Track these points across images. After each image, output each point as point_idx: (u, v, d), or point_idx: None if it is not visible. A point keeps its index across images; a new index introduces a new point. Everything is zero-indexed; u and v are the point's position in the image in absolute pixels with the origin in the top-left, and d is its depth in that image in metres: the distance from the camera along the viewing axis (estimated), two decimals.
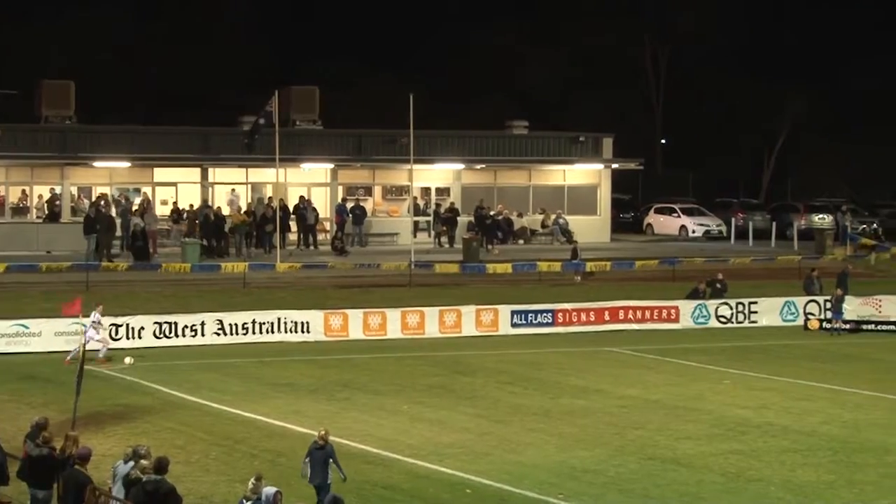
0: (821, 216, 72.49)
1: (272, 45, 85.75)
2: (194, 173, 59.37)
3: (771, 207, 77.20)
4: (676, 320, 45.07)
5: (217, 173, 59.88)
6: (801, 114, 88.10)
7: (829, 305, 45.40)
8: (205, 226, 54.93)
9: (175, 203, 57.92)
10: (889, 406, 31.63)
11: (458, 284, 49.84)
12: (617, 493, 23.93)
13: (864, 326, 45.17)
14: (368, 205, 61.98)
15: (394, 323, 41.49)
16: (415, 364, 36.98)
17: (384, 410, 30.61)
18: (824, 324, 45.08)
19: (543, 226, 64.20)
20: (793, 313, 46.46)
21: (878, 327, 45.25)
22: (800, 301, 46.80)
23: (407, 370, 36.05)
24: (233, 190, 59.40)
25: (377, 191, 63.37)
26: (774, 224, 67.53)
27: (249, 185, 60.41)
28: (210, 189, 59.31)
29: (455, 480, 24.64)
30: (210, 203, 57.67)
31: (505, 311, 43.09)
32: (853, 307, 45.43)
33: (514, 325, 42.92)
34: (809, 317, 46.07)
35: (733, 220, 68.95)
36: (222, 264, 49.92)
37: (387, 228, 61.70)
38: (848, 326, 44.63)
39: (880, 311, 46.89)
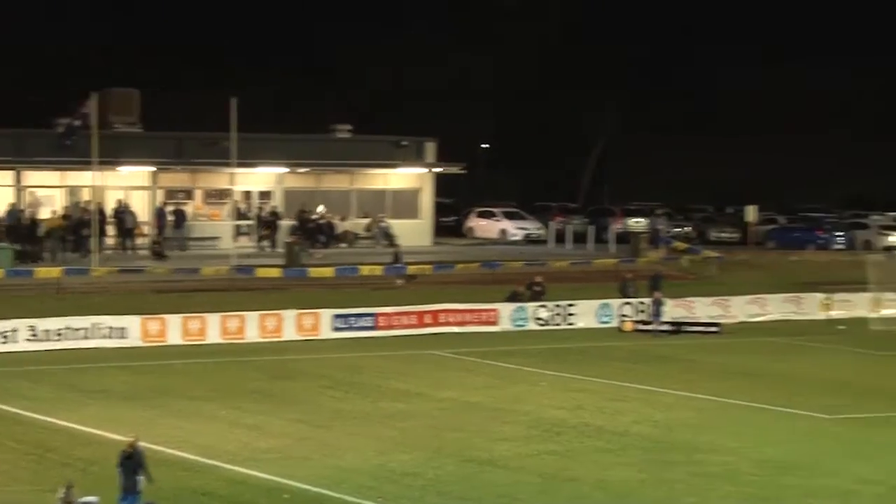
0: (636, 220, 73.97)
1: (92, 46, 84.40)
2: (7, 176, 58.09)
3: (589, 211, 78.55)
4: (495, 323, 45.57)
5: (31, 176, 58.68)
6: (619, 119, 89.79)
7: (642, 308, 46.40)
8: (16, 230, 53.78)
9: None
10: (699, 406, 32.44)
11: (279, 288, 49.64)
12: (435, 496, 24.13)
13: (685, 328, 46.33)
14: (189, 208, 61.41)
15: (213, 328, 41.17)
16: (234, 369, 36.79)
17: (202, 416, 30.39)
18: (643, 326, 46.05)
19: (367, 230, 64.34)
20: (608, 315, 47.32)
21: (696, 328, 46.44)
22: (615, 303, 47.70)
23: (226, 375, 35.83)
24: (33, 193, 58.17)
25: (198, 194, 62.79)
26: (592, 227, 68.68)
27: (66, 189, 59.33)
28: (23, 193, 58.09)
29: (273, 485, 24.59)
30: (21, 207, 56.49)
31: (326, 315, 43.08)
32: (667, 309, 46.46)
33: (335, 329, 42.94)
34: (624, 319, 46.99)
35: (552, 223, 69.94)
36: (35, 269, 48.94)
37: (208, 232, 61.17)
38: (668, 328, 45.69)
39: (693, 313, 48.09)
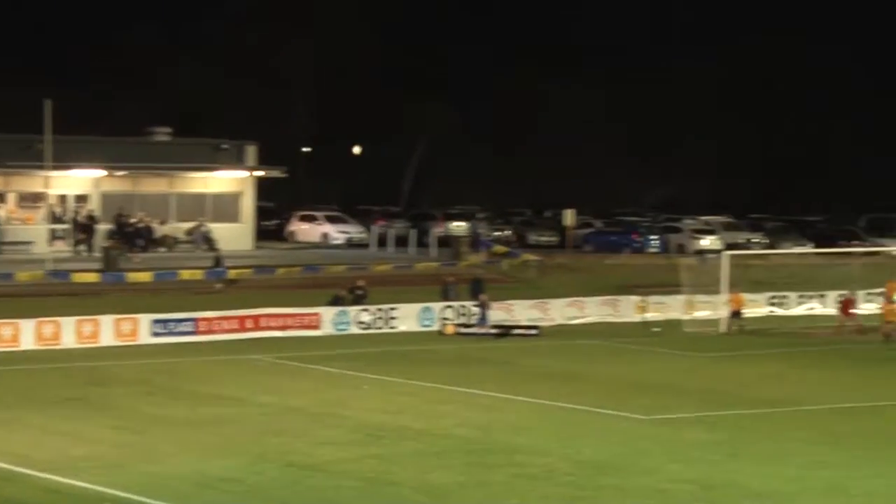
0: (457, 223, 74.55)
1: None
2: None
3: (410, 215, 78.94)
4: (317, 327, 45.50)
5: None
6: (441, 124, 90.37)
7: (464, 311, 46.79)
8: None
9: None
10: (519, 408, 32.81)
11: (97, 293, 48.83)
12: (257, 501, 23.99)
13: (511, 332, 46.88)
14: (2, 212, 60.03)
15: (27, 334, 40.31)
16: (49, 375, 36.06)
17: (14, 424, 29.72)
18: (466, 329, 46.44)
19: (188, 234, 63.65)
20: (430, 319, 47.62)
21: (520, 332, 46.99)
22: (437, 307, 48.01)
23: (41, 382, 35.10)
24: None
25: (11, 198, 61.41)
26: (414, 231, 69.02)
27: None
28: None
29: (90, 494, 24.17)
30: None
31: (145, 320, 42.51)
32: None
33: (154, 335, 42.39)
34: (445, 322, 47.33)
35: (374, 227, 70.09)
36: None
37: (21, 237, 59.93)
38: (495, 332, 46.20)
39: (513, 316, 48.65)
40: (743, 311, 50.25)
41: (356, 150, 63.56)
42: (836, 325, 50.00)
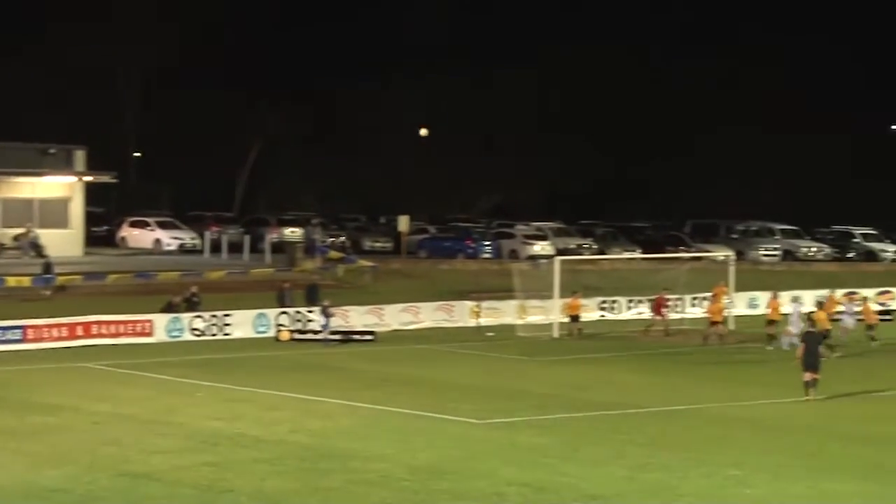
0: (292, 229, 74.26)
1: None
2: None
3: (244, 221, 78.39)
4: (150, 334, 45.02)
5: None
6: (274, 128, 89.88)
7: (299, 317, 46.74)
8: None
9: None
10: (355, 414, 32.87)
11: None
12: None
13: (350, 337, 46.98)
14: None
15: None
16: None
17: None
18: (301, 335, 46.37)
19: (15, 240, 62.33)
20: (265, 325, 47.44)
21: (361, 337, 47.15)
22: (272, 313, 47.84)
23: None
24: None
25: None
26: (248, 237, 68.55)
27: None
28: None
29: None
30: None
31: None
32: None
33: None
34: (281, 328, 47.18)
35: (207, 233, 69.45)
36: None
37: None
38: (335, 337, 46.23)
39: (348, 322, 48.69)
40: (580, 314, 51.07)
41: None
42: (648, 325, 51.19)
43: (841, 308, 49.60)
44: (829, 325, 44.65)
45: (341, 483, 25.44)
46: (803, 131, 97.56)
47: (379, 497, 24.41)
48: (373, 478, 25.81)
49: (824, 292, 53.02)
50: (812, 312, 44.29)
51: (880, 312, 52.28)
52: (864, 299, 48.64)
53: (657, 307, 51.75)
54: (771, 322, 47.79)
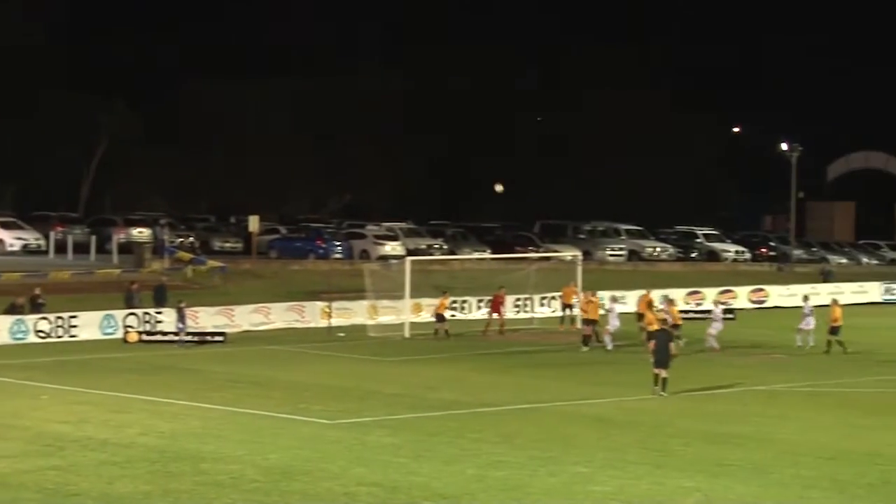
0: (139, 230, 73.39)
1: None
2: None
3: (90, 221, 77.24)
4: None
5: None
6: (120, 127, 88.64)
7: (147, 318, 46.28)
8: None
9: None
10: (205, 415, 32.64)
11: None
12: None
13: (210, 339, 46.69)
14: None
15: None
16: None
17: None
18: (152, 336, 45.91)
19: None
20: (112, 326, 46.87)
21: (212, 338, 46.84)
22: (119, 314, 47.26)
23: None
24: None
25: None
26: (94, 238, 67.56)
27: None
28: None
29: None
30: None
31: None
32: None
33: None
34: (128, 330, 46.64)
35: (52, 233, 68.29)
36: None
37: None
38: (189, 338, 45.86)
39: (198, 323, 48.31)
40: (447, 314, 51.34)
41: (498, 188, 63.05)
42: (486, 324, 51.73)
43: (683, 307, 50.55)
44: (680, 321, 45.55)
45: (191, 485, 25.25)
46: (647, 132, 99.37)
47: (230, 499, 24.28)
48: (223, 479, 25.66)
49: (668, 292, 54.07)
50: (661, 310, 45.13)
51: (723, 311, 53.17)
52: (671, 301, 48.85)
53: (495, 305, 52.26)
54: (589, 322, 47.89)
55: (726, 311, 55.08)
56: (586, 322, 48.25)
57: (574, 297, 52.71)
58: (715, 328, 47.53)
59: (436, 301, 52.10)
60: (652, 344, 36.63)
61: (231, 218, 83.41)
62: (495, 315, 51.99)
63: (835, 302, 47.98)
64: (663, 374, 36.01)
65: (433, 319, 50.99)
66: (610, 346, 46.35)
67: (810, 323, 47.53)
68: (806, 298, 50.79)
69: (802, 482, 25.90)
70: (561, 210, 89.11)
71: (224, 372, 40.16)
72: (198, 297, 53.21)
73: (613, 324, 46.96)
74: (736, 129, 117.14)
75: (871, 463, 27.71)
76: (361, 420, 32.31)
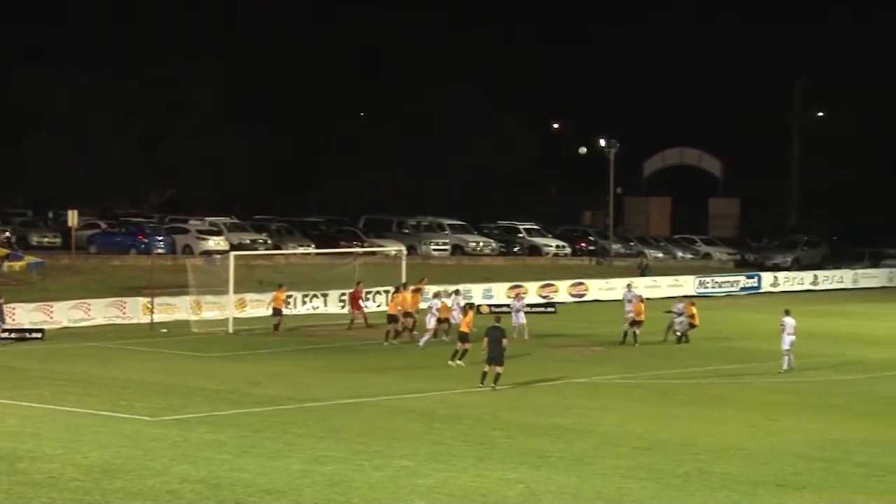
0: None
1: None
2: None
3: None
4: None
5: None
6: None
7: None
8: None
9: None
10: (22, 413, 32.02)
11: None
12: None
13: (28, 335, 45.76)
14: None
15: None
16: None
17: None
18: None
19: None
20: None
21: (30, 335, 45.94)
22: None
23: None
24: None
25: None
26: None
27: None
28: None
29: None
30: None
31: None
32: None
33: None
34: None
35: None
36: None
37: None
38: (12, 336, 44.93)
39: (14, 319, 47.33)
40: (283, 308, 51.09)
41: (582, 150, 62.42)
42: (350, 320, 51.74)
43: (509, 302, 51.18)
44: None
45: (8, 485, 24.77)
46: (469, 129, 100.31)
47: (48, 498, 23.88)
48: (41, 479, 25.24)
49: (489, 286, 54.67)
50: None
51: (544, 305, 54.04)
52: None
53: (354, 301, 52.18)
54: (393, 318, 47.65)
55: (548, 304, 55.93)
56: (406, 314, 48.34)
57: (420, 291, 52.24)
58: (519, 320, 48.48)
59: (263, 296, 51.82)
60: (485, 341, 36.95)
61: (49, 213, 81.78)
62: (356, 311, 51.88)
63: (640, 298, 49.28)
64: (498, 369, 36.36)
65: (269, 314, 50.71)
66: (422, 343, 46.29)
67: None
68: (629, 287, 52.89)
69: (621, 472, 26.48)
70: (386, 205, 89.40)
71: (42, 369, 39.44)
72: (15, 293, 52.09)
73: (430, 321, 46.94)
74: (556, 126, 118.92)
75: (687, 453, 28.46)
76: (185, 417, 32.06)
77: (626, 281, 62.28)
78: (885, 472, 26.82)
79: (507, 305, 52.28)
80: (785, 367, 41.38)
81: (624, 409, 34.21)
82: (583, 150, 47.12)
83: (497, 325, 37.45)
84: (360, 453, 27.87)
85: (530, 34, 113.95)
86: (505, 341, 36.84)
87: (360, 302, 52.24)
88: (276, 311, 50.61)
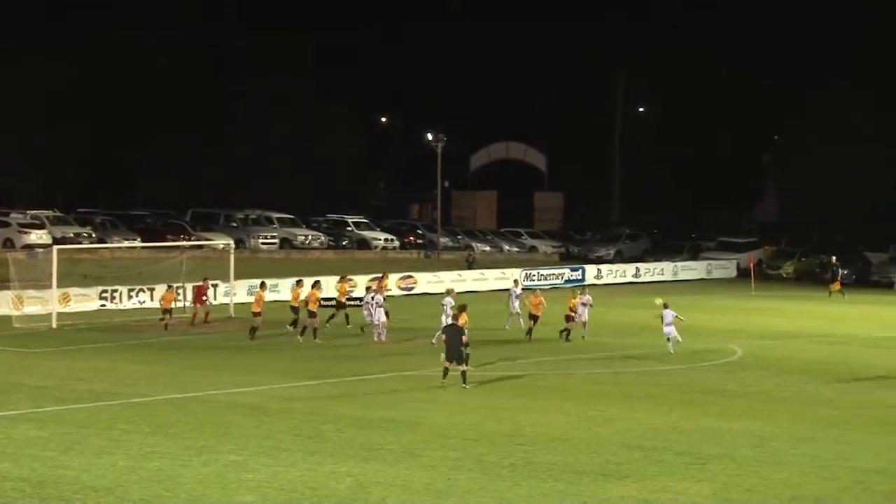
0: None
1: None
2: None
3: None
4: None
5: None
6: None
7: None
8: None
9: None
10: None
11: None
12: None
13: None
14: None
15: None
16: None
17: None
18: None
19: None
20: None
21: None
22: None
23: None
24: None
25: None
26: None
27: None
28: None
29: None
30: None
31: None
32: None
33: None
34: None
35: None
36: None
37: None
38: None
39: None
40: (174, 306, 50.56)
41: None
42: (192, 314, 51.38)
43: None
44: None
45: None
46: (294, 119, 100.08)
47: None
48: None
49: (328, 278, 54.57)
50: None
51: (350, 298, 53.61)
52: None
53: (199, 295, 51.77)
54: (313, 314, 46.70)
55: (349, 298, 55.22)
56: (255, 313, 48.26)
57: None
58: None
59: (87, 291, 51.09)
60: (443, 338, 36.90)
61: None
62: (199, 305, 51.47)
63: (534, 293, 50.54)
64: (462, 367, 36.29)
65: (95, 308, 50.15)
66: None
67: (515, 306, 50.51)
68: (516, 283, 54.72)
69: (450, 464, 26.78)
70: (213, 199, 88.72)
71: None
72: None
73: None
74: (384, 119, 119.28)
75: (514, 444, 28.88)
76: (6, 413, 31.49)
77: (454, 274, 62.86)
78: (704, 461, 27.57)
79: (360, 299, 51.68)
80: (671, 350, 44.38)
81: (452, 401, 34.54)
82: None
83: (455, 324, 37.21)
84: (188, 449, 27.70)
85: (352, 29, 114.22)
86: (464, 338, 36.61)
87: (205, 297, 51.93)
88: (202, 301, 50.55)
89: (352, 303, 52.31)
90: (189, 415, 31.83)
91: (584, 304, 48.87)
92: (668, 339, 44.63)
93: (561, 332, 47.96)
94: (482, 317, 49.75)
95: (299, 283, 49.88)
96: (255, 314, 47.56)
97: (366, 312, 47.75)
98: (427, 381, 37.90)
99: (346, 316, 50.02)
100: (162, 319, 50.15)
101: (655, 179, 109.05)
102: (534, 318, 48.38)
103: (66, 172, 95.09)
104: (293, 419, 31.33)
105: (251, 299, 49.51)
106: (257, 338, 46.66)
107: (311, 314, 46.49)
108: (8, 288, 51.94)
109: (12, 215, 74.63)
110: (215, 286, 55.20)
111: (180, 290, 55.57)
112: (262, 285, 50.49)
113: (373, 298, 47.28)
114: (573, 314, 48.20)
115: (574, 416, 32.51)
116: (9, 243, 69.59)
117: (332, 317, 49.84)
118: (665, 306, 44.95)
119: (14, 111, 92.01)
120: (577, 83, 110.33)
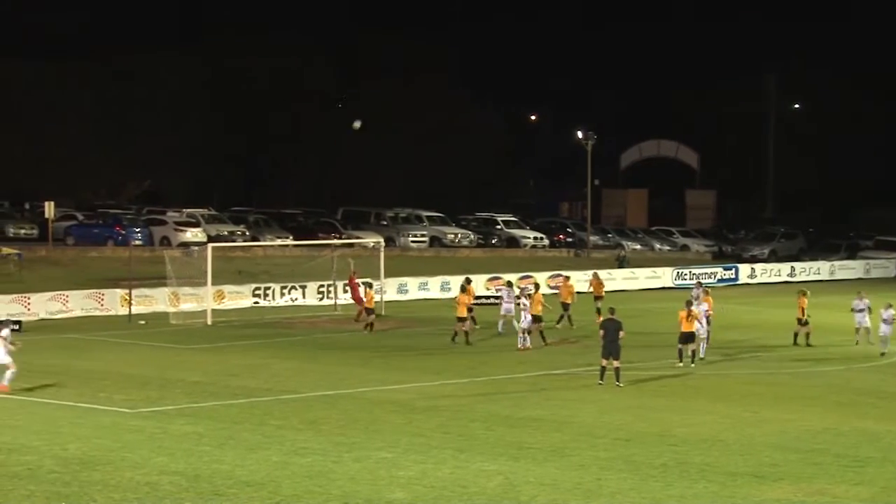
0: None
1: None
2: None
3: None
4: None
5: None
6: None
7: None
8: None
9: None
10: (0, 405, 31.97)
11: None
12: None
13: None
14: None
15: None
16: None
17: None
18: None
19: None
20: None
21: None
22: None
23: None
24: None
25: None
26: None
27: None
28: None
29: None
30: None
31: None
32: None
33: None
34: None
35: None
36: None
37: None
38: None
39: None
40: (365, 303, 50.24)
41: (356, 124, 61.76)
42: (357, 312, 51.58)
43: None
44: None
45: None
46: (444, 120, 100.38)
47: (27, 490, 23.85)
48: (20, 471, 25.20)
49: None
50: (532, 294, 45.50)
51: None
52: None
53: (354, 292, 51.88)
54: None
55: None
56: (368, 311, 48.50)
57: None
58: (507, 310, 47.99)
59: (241, 288, 51.67)
60: (601, 333, 36.90)
61: (26, 204, 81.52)
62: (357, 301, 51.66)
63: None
64: (617, 363, 36.26)
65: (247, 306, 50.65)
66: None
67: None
68: (699, 284, 52.89)
69: (600, 464, 26.56)
70: (362, 197, 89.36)
71: (20, 361, 39.23)
72: None
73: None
74: (533, 118, 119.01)
75: (664, 444, 28.56)
76: (163, 409, 32.04)
77: (604, 273, 62.42)
78: (862, 463, 26.97)
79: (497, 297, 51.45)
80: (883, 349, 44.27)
81: (601, 399, 34.29)
82: (357, 124, 47.29)
83: (612, 317, 37.14)
84: (339, 445, 27.89)
85: (495, 24, 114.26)
86: (622, 333, 36.56)
87: (358, 292, 51.72)
88: (369, 311, 49.33)
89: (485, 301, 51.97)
90: (339, 411, 32.06)
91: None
92: (882, 338, 44.39)
93: (795, 335, 46.28)
94: (632, 315, 49.25)
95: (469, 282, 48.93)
96: (368, 311, 48.23)
97: (504, 309, 47.14)
98: (577, 380, 37.69)
99: (473, 319, 48.52)
100: (359, 319, 49.66)
101: (810, 177, 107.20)
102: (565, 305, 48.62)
103: (221, 172, 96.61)
104: (442, 417, 31.37)
105: (402, 297, 49.69)
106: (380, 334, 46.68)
107: (460, 319, 45.54)
108: (165, 285, 52.89)
109: (168, 214, 76.02)
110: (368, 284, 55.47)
111: (331, 288, 56.01)
112: (370, 285, 50.52)
113: (519, 298, 46.14)
114: (803, 317, 46.42)
115: (726, 417, 32.04)
116: (165, 241, 70.91)
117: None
118: (889, 306, 44.68)
119: (172, 112, 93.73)
120: (730, 81, 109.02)
